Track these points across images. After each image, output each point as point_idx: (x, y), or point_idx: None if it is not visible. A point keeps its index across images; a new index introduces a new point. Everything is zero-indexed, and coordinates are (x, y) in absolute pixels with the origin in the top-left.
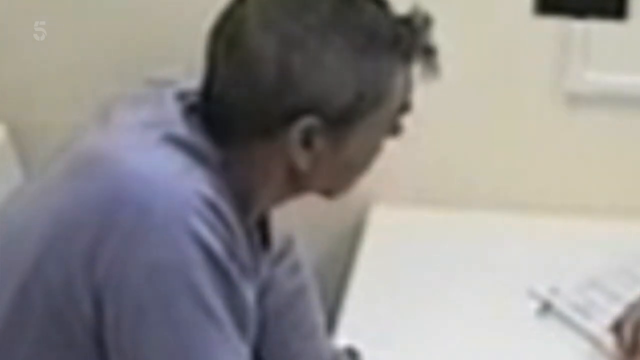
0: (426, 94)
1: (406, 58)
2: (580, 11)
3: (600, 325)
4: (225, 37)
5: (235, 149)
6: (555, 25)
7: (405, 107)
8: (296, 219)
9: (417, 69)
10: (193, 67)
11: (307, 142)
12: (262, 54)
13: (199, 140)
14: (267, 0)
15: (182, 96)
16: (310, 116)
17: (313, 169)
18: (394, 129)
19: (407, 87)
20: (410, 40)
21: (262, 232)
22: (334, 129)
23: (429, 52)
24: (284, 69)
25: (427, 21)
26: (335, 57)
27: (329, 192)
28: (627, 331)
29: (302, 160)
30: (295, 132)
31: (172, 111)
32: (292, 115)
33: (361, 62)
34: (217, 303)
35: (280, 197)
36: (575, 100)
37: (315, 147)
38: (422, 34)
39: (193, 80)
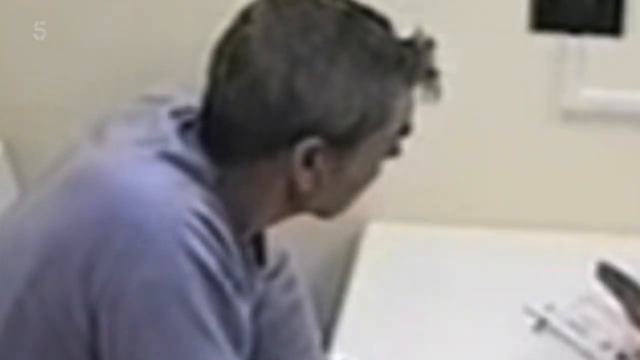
0: (421, 111)
1: (409, 79)
2: (575, 28)
3: (595, 341)
4: (229, 56)
5: (234, 167)
6: (551, 42)
7: (406, 129)
8: (292, 234)
9: (417, 91)
10: (191, 85)
11: (308, 161)
12: (267, 74)
13: (194, 157)
14: (272, 19)
15: (176, 113)
16: (314, 136)
17: (313, 188)
18: (393, 151)
19: (409, 109)
20: (413, 62)
21: (257, 248)
22: (336, 149)
23: (431, 74)
24: (290, 89)
25: (430, 43)
26: (341, 77)
27: (325, 213)
28: None
29: (303, 179)
30: (298, 152)
31: (167, 128)
32: (297, 136)
33: (367, 82)
34: (211, 318)
35: (277, 216)
36: (571, 116)
37: (317, 166)
38: (426, 55)
39: (192, 97)
